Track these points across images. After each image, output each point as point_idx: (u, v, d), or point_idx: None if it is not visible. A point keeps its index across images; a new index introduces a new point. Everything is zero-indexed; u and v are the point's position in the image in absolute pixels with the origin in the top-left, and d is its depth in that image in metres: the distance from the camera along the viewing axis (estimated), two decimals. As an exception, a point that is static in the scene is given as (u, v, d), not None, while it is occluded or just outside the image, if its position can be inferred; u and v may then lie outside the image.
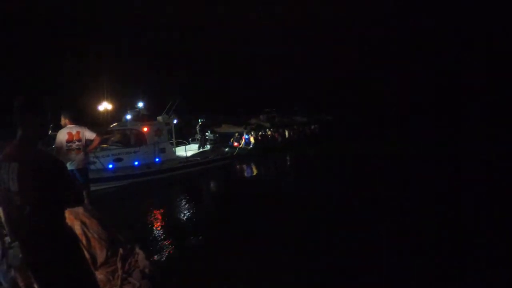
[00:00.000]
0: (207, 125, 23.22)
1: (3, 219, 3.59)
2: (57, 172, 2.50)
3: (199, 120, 21.80)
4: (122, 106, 19.58)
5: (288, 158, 23.61)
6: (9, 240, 3.66)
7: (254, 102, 45.62)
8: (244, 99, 49.26)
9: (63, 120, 6.43)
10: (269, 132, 29.67)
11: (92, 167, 12.57)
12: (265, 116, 36.78)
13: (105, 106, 19.62)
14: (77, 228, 4.92)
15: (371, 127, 35.83)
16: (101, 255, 4.97)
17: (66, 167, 2.64)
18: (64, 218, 2.60)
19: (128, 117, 17.72)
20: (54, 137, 6.56)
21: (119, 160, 15.49)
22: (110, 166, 15.13)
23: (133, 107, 18.26)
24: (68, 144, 6.27)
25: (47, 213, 2.44)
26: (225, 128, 29.75)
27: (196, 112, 26.44)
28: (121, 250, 4.92)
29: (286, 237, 8.07)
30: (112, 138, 17.03)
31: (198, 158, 18.53)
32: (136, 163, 15.83)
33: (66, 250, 2.53)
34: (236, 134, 25.64)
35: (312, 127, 35.56)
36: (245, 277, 6.07)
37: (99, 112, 19.71)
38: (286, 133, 30.73)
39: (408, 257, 6.81)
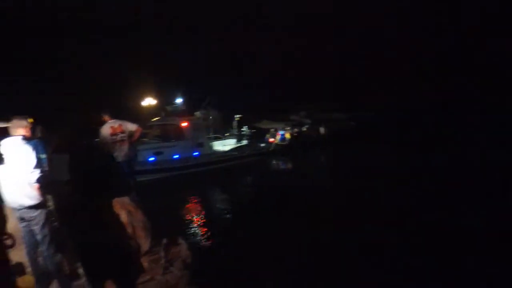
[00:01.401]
0: (244, 120, 23.33)
1: (52, 207, 3.83)
2: (105, 163, 2.67)
3: (236, 116, 22.02)
4: (163, 101, 20.09)
5: (321, 155, 23.17)
6: (58, 226, 3.84)
7: (294, 98, 44.98)
8: (285, 94, 48.72)
9: (104, 117, 6.73)
10: (304, 129, 29.39)
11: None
12: (305, 112, 36.27)
13: (148, 101, 20.21)
14: (124, 217, 5.13)
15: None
16: (145, 244, 5.17)
17: (114, 158, 2.80)
18: (112, 206, 2.77)
19: (175, 111, 18.22)
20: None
21: (159, 153, 15.97)
22: (151, 159, 15.65)
23: (172, 102, 18.74)
24: (113, 137, 6.54)
25: (95, 202, 2.61)
26: (265, 124, 29.60)
27: (234, 108, 26.55)
28: (164, 240, 5.11)
29: (318, 236, 7.98)
30: (153, 133, 17.51)
31: (235, 153, 18.78)
32: (175, 156, 16.26)
33: (112, 237, 2.70)
34: (272, 130, 25.50)
35: (349, 124, 34.80)
36: (279, 273, 6.11)
37: (142, 107, 20.30)
38: (322, 130, 30.29)
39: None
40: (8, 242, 2.73)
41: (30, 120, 3.94)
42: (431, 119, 34.52)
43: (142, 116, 18.86)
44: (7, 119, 3.35)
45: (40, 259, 4.06)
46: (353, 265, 6.51)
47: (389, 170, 15.13)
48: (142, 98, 20.74)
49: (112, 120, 6.72)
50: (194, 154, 16.99)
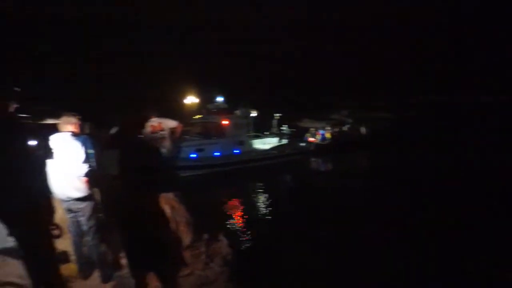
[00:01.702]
0: (284, 119, 23.22)
1: (100, 200, 3.95)
2: (153, 159, 2.73)
3: (276, 115, 22.01)
4: (205, 99, 20.43)
5: (361, 157, 22.36)
6: (104, 218, 3.96)
7: (337, 97, 44.20)
8: (326, 93, 48.14)
9: (149, 115, 6.90)
10: (345, 129, 28.80)
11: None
12: (347, 111, 35.40)
13: (191, 99, 20.66)
14: (167, 212, 5.22)
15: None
16: (187, 239, 5.23)
17: (162, 155, 2.84)
18: (158, 201, 2.82)
19: (216, 109, 18.52)
20: None
21: (200, 150, 16.25)
22: (193, 155, 15.97)
23: (213, 101, 19.03)
24: (153, 135, 6.71)
25: (143, 196, 2.67)
26: (306, 122, 29.30)
27: (276, 106, 26.52)
28: (205, 236, 5.14)
29: (357, 238, 7.70)
30: (194, 130, 17.86)
31: (275, 151, 18.80)
32: (216, 153, 16.50)
33: (157, 230, 2.75)
34: (312, 129, 25.18)
35: (393, 123, 33.70)
36: (320, 273, 6.00)
37: (185, 105, 20.77)
38: (363, 130, 29.51)
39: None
40: (56, 232, 2.85)
41: (79, 117, 4.08)
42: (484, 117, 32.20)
43: (185, 114, 19.34)
44: (57, 116, 3.48)
45: (84, 249, 4.22)
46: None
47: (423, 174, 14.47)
48: (184, 96, 21.19)
49: (153, 119, 6.87)
50: (235, 151, 17.16)
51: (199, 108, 19.91)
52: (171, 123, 6.70)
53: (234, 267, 4.85)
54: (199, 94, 21.16)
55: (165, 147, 6.71)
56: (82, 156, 3.89)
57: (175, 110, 21.09)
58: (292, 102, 39.95)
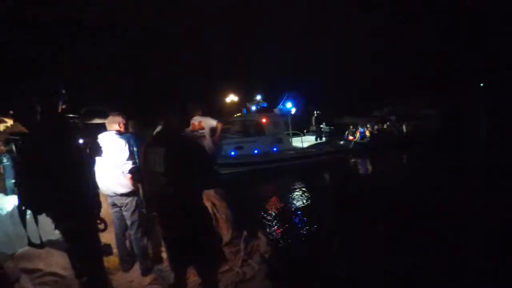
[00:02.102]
0: (325, 116, 22.95)
1: (143, 195, 4.12)
2: (198, 157, 2.81)
3: (315, 112, 21.84)
4: (244, 98, 20.70)
5: (402, 156, 21.07)
6: (145, 213, 4.12)
7: (380, 92, 42.75)
8: (369, 88, 46.84)
9: (194, 113, 7.07)
10: (385, 127, 28.00)
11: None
12: (389, 108, 34.10)
13: (231, 98, 21.01)
14: (208, 209, 5.34)
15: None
16: (227, 235, 5.34)
17: (206, 152, 2.91)
18: (201, 198, 2.89)
19: (253, 108, 18.75)
20: None
21: (240, 148, 16.43)
22: (232, 153, 16.20)
23: (253, 99, 19.19)
24: (194, 133, 6.88)
25: (188, 193, 2.74)
26: (347, 119, 28.77)
27: (315, 104, 26.28)
28: (245, 233, 5.21)
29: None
30: (234, 128, 18.09)
31: (313, 150, 18.66)
32: (255, 151, 16.62)
33: (201, 225, 2.82)
34: (351, 127, 24.69)
35: (438, 121, 32.18)
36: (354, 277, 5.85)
37: (226, 103, 21.15)
38: (404, 127, 28.56)
39: None
40: (101, 226, 3.00)
41: (124, 116, 4.27)
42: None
43: (225, 112, 19.71)
44: (105, 116, 3.65)
45: (127, 242, 4.42)
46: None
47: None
48: (226, 95, 21.52)
49: (196, 117, 7.02)
50: (273, 149, 17.21)
51: (239, 107, 20.15)
52: (211, 122, 6.83)
53: (271, 265, 4.85)
54: (239, 93, 21.42)
55: (205, 145, 6.84)
56: (127, 153, 4.06)
57: (216, 109, 21.53)
58: (335, 99, 39.08)
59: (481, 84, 53.66)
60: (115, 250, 4.51)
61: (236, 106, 20.42)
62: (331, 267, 6.06)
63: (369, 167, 18.89)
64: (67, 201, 2.61)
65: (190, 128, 7.01)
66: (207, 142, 6.89)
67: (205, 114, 7.02)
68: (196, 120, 6.95)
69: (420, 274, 5.69)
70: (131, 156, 4.07)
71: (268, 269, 4.67)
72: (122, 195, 4.10)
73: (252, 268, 4.66)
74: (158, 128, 2.95)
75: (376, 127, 26.50)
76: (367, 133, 23.90)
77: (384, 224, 8.38)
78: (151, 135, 3.02)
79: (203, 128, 6.85)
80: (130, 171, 4.04)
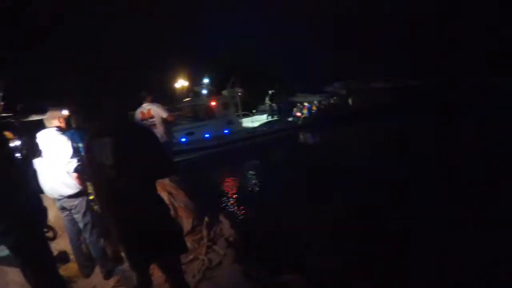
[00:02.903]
0: (279, 94, 23.13)
1: (94, 192, 3.85)
2: (150, 144, 2.56)
3: (269, 92, 22.00)
4: (193, 82, 20.27)
5: (345, 129, 21.41)
6: (100, 211, 3.87)
7: (330, 69, 43.34)
8: (321, 65, 47.30)
9: (145, 98, 6.72)
10: (332, 101, 28.71)
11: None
12: (340, 83, 34.81)
13: (181, 83, 20.48)
14: (165, 199, 5.11)
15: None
16: (187, 224, 5.16)
17: (157, 138, 2.69)
18: (156, 188, 2.67)
19: (204, 92, 18.46)
20: (132, 117, 6.87)
21: (191, 133, 16.13)
22: (183, 139, 15.83)
23: (200, 83, 18.88)
24: (143, 123, 6.57)
25: (141, 184, 2.51)
26: (300, 97, 29.10)
27: (269, 82, 26.28)
28: (206, 219, 5.06)
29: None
30: (183, 114, 17.72)
31: (264, 128, 18.79)
32: (206, 135, 16.41)
33: (158, 218, 2.61)
34: (299, 104, 25.21)
35: (387, 94, 33.28)
36: (323, 246, 5.95)
37: (176, 89, 20.60)
38: (350, 101, 29.46)
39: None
40: (50, 234, 2.72)
41: (65, 110, 3.93)
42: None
43: (176, 98, 19.29)
44: (43, 112, 3.34)
45: (83, 246, 4.13)
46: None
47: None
48: (175, 80, 20.93)
49: (145, 104, 6.69)
50: (225, 132, 17.09)
51: (188, 91, 19.74)
52: (162, 113, 6.54)
53: (238, 248, 4.77)
54: (188, 77, 20.91)
55: (157, 134, 6.55)
56: (70, 151, 3.75)
57: (168, 95, 20.98)
58: (286, 76, 39.19)
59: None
60: (72, 257, 4.22)
61: (186, 91, 19.97)
62: (296, 243, 6.12)
63: (315, 140, 19.72)
64: (4, 213, 2.32)
65: (140, 116, 6.68)
66: (159, 131, 6.61)
67: (155, 100, 6.72)
68: (145, 108, 6.63)
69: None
70: (76, 153, 3.76)
71: (234, 253, 4.56)
72: (70, 196, 3.79)
73: (218, 254, 4.54)
74: (104, 117, 2.66)
75: (323, 102, 27.19)
76: (314, 108, 24.52)
77: (336, 192, 8.66)
78: (95, 125, 2.72)
79: (153, 117, 6.56)
80: (76, 170, 3.74)
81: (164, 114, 6.56)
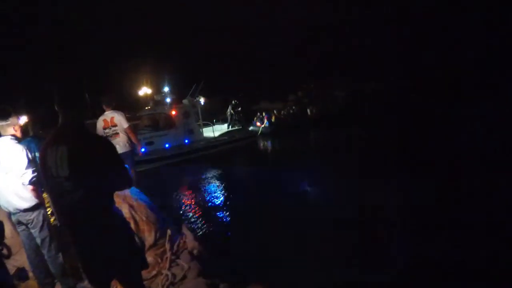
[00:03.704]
0: (242, 103, 23.32)
1: (51, 205, 3.65)
2: (107, 154, 2.43)
3: (233, 101, 22.05)
4: (155, 91, 19.94)
5: (303, 137, 22.83)
6: (58, 225, 3.69)
7: (294, 77, 44.01)
8: (284, 74, 47.87)
9: (103, 107, 6.51)
10: (291, 111, 29.37)
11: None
12: (303, 91, 35.63)
13: (145, 90, 20.02)
14: (125, 212, 4.95)
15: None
16: (149, 238, 5.02)
17: (115, 148, 2.58)
18: (113, 201, 2.56)
19: (168, 100, 18.20)
20: (94, 125, 6.64)
21: (150, 143, 15.75)
22: (142, 150, 15.40)
23: (161, 91, 18.60)
24: (106, 131, 6.35)
25: (97, 196, 2.39)
26: (263, 105, 29.47)
27: (231, 91, 26.40)
28: (169, 231, 4.94)
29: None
30: (142, 123, 17.32)
31: (225, 138, 18.75)
32: (166, 145, 16.10)
33: (116, 233, 2.49)
34: (258, 113, 25.69)
35: (344, 101, 34.38)
36: (284, 258, 5.98)
37: (139, 97, 20.14)
38: (308, 110, 30.31)
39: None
40: (5, 252, 2.51)
41: (22, 118, 3.71)
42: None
43: (139, 106, 18.88)
44: (6, 116, 3.13)
45: (42, 263, 3.90)
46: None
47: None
48: (139, 88, 20.49)
49: (108, 111, 6.47)
50: (185, 141, 16.85)
51: (147, 100, 19.40)
52: (124, 123, 6.36)
53: (202, 261, 4.69)
54: (151, 85, 20.53)
55: (118, 143, 6.35)
56: (25, 161, 3.55)
57: (132, 102, 20.50)
58: (250, 86, 39.38)
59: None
60: (31, 274, 3.97)
61: (149, 99, 19.58)
62: (261, 253, 6.10)
63: (273, 149, 20.67)
64: None
65: (103, 124, 6.46)
66: (121, 140, 6.41)
67: (118, 108, 6.53)
68: (108, 116, 6.42)
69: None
70: (32, 164, 3.55)
71: (199, 266, 4.49)
72: (25, 210, 3.57)
73: (182, 268, 4.46)
74: (60, 125, 2.50)
75: (282, 111, 27.80)
76: (273, 119, 25.14)
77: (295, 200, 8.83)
78: (51, 133, 2.56)
79: (116, 125, 6.35)
80: (31, 182, 3.53)
81: (126, 124, 6.40)
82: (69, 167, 2.27)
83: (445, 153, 12.49)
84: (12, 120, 3.60)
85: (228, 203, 10.10)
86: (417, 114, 22.75)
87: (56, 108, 2.45)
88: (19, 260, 3.34)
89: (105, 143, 2.54)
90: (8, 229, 3.28)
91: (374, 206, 7.86)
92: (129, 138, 6.49)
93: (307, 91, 35.60)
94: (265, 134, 22.90)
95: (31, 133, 4.03)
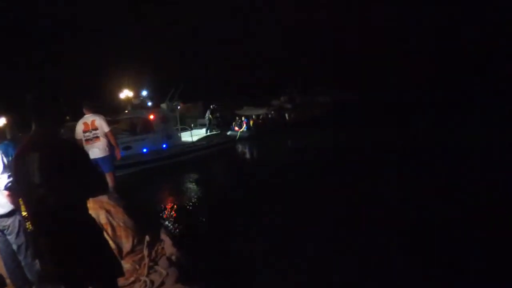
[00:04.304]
0: (225, 107, 23.33)
1: (26, 212, 3.59)
2: (80, 161, 2.43)
3: (211, 106, 22.03)
4: (135, 94, 19.68)
5: (281, 143, 23.09)
6: (34, 232, 3.63)
7: (277, 82, 44.36)
8: (268, 78, 48.15)
9: (83, 110, 6.41)
10: (270, 116, 29.67)
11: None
12: (287, 97, 35.97)
13: (126, 93, 19.67)
14: (102, 217, 4.91)
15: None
16: (127, 244, 4.97)
17: (88, 155, 2.59)
18: (87, 208, 2.55)
19: (149, 104, 18.04)
20: (73, 128, 6.55)
21: (128, 148, 15.49)
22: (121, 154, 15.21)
23: (139, 95, 18.41)
24: (86, 134, 6.25)
25: (70, 203, 2.38)
26: (246, 110, 29.52)
27: (212, 97, 26.43)
28: (147, 238, 4.91)
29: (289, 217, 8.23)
30: (120, 127, 17.05)
31: (203, 143, 18.69)
32: (144, 150, 15.90)
33: (90, 240, 2.48)
34: (237, 118, 25.85)
35: (328, 108, 35.06)
36: (267, 260, 6.04)
37: (121, 100, 19.77)
38: (286, 115, 30.73)
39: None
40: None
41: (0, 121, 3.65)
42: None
43: (120, 109, 18.62)
44: None
45: (19, 269, 3.83)
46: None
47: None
48: (120, 90, 20.14)
49: (89, 115, 6.38)
50: (163, 146, 16.69)
51: (125, 104, 19.13)
52: (105, 127, 6.30)
53: (180, 267, 4.67)
54: (132, 88, 20.23)
55: (98, 147, 6.26)
56: (0, 166, 3.49)
57: (114, 106, 20.18)
58: (234, 90, 39.51)
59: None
60: (8, 281, 3.88)
61: (128, 103, 19.27)
62: (239, 257, 6.13)
63: (251, 153, 21.05)
64: None
65: (83, 127, 6.36)
66: (101, 143, 6.33)
67: (98, 111, 6.45)
68: (89, 119, 6.33)
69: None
70: (7, 168, 3.49)
71: (177, 272, 4.48)
72: (1, 216, 3.50)
73: (160, 274, 4.43)
74: (33, 129, 2.48)
75: (261, 116, 28.05)
76: (251, 123, 25.31)
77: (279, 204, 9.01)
78: (24, 140, 2.54)
79: (96, 128, 6.27)
80: (7, 187, 3.47)
81: (107, 128, 6.34)
82: (41, 174, 2.27)
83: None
84: None
85: (206, 208, 10.11)
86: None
87: (29, 116, 2.44)
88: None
89: (77, 150, 2.54)
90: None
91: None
92: (109, 142, 6.42)
93: (290, 96, 35.94)
94: (242, 138, 23.00)
95: (8, 136, 3.96)
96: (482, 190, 8.90)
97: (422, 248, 6.29)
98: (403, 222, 7.41)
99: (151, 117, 16.74)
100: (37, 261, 3.77)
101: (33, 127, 2.44)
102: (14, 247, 3.64)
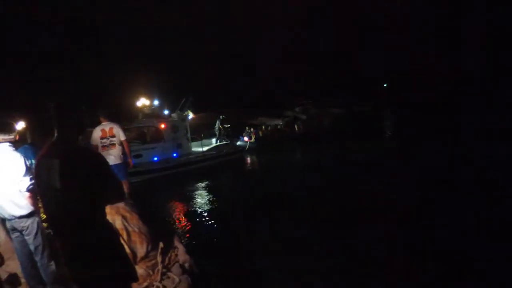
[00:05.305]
0: (236, 117, 23.43)
1: (44, 214, 3.64)
2: (98, 168, 2.47)
3: (221, 116, 22.18)
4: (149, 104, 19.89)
5: (290, 153, 23.37)
6: (51, 234, 3.67)
7: (292, 93, 44.56)
8: (282, 90, 48.40)
9: (99, 118, 6.52)
10: (279, 127, 29.81)
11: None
12: (301, 108, 36.07)
13: (143, 102, 19.89)
14: (118, 223, 4.93)
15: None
16: (141, 250, 4.98)
17: (107, 163, 2.63)
18: (105, 213, 2.58)
19: (166, 112, 18.42)
20: (89, 134, 6.64)
21: (138, 156, 15.62)
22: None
23: (151, 104, 18.60)
24: (103, 141, 6.34)
25: (88, 208, 2.42)
26: (260, 120, 29.70)
27: (226, 106, 26.64)
28: (161, 244, 4.91)
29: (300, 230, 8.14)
30: (131, 136, 17.21)
31: (213, 152, 18.77)
32: (155, 158, 16.02)
33: (106, 245, 2.51)
34: (247, 128, 25.98)
35: (339, 119, 35.11)
36: (278, 273, 6.01)
37: (137, 108, 19.98)
38: (296, 127, 30.84)
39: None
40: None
41: (19, 123, 3.72)
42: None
43: (137, 116, 18.85)
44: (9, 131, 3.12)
45: (34, 270, 3.87)
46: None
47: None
48: (137, 98, 20.35)
49: (106, 122, 6.48)
50: (173, 155, 16.81)
51: (137, 113, 19.31)
52: (121, 135, 6.41)
53: (193, 274, 4.68)
54: (148, 97, 20.43)
55: (113, 154, 6.34)
56: (23, 168, 3.55)
57: (126, 113, 20.40)
58: (248, 101, 39.73)
59: (385, 85, 60.31)
60: (23, 280, 3.92)
61: (141, 111, 19.44)
62: (251, 264, 6.11)
63: (260, 163, 21.25)
64: None
65: (100, 134, 6.47)
66: (116, 151, 6.42)
67: (114, 119, 6.57)
68: (107, 126, 6.45)
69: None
70: (29, 171, 3.55)
71: (189, 280, 4.49)
72: (21, 217, 3.55)
73: (173, 281, 4.44)
74: (55, 135, 2.55)
75: (269, 128, 28.25)
76: (260, 134, 25.45)
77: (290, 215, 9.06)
78: (46, 145, 2.60)
79: (114, 136, 6.38)
80: (28, 189, 3.53)
81: (123, 137, 6.44)
82: (60, 180, 2.31)
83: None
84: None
85: (219, 216, 10.11)
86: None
87: (54, 117, 2.50)
88: (11, 265, 3.30)
89: (97, 158, 2.58)
90: (1, 235, 3.23)
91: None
92: (123, 150, 6.50)
93: (304, 107, 36.05)
94: (252, 149, 23.10)
95: (29, 140, 4.03)
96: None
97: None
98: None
99: (162, 126, 16.91)
100: (52, 262, 3.81)
101: (56, 133, 2.50)
102: (31, 247, 3.68)
